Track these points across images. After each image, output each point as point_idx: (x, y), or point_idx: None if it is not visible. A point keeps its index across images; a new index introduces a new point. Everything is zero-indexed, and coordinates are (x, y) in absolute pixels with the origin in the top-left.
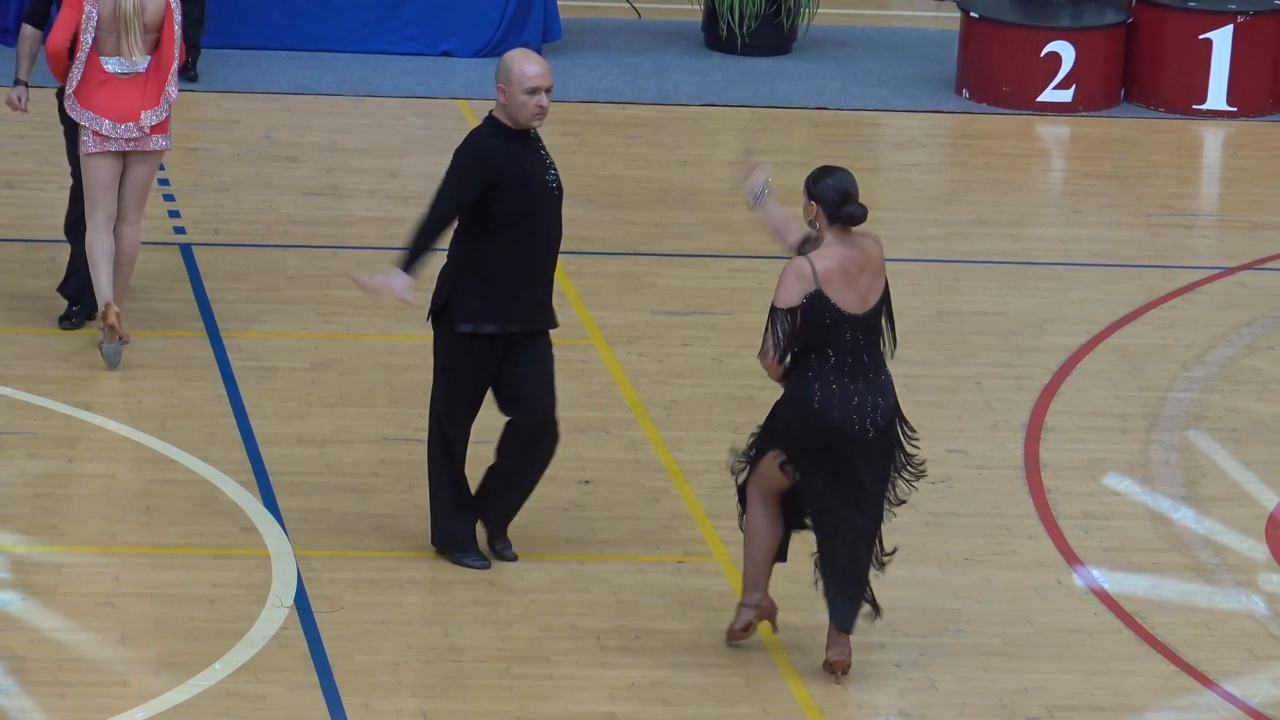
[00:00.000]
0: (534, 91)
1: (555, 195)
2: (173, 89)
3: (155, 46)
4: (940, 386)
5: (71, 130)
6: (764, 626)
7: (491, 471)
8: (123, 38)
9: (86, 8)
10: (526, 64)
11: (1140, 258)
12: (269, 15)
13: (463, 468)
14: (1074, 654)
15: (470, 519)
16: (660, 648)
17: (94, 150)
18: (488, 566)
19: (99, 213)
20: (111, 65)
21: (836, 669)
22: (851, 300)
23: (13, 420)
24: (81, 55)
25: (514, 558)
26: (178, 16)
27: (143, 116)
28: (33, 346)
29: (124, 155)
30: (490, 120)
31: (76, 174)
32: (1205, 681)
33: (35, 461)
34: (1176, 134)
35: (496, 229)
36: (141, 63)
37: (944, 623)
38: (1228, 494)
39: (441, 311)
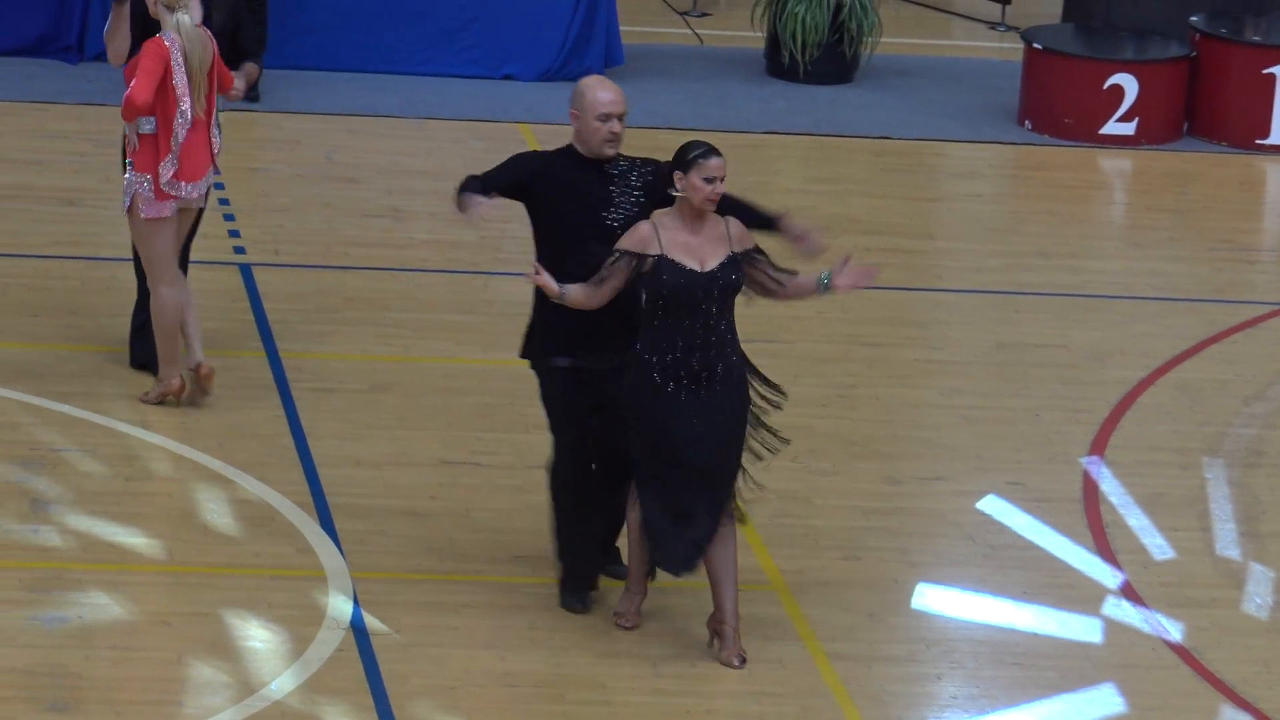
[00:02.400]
0: (606, 118)
1: (610, 231)
2: (218, 138)
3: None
4: (999, 418)
5: None
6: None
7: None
8: (190, 90)
9: (173, 68)
10: (600, 90)
11: (1201, 292)
12: (331, 36)
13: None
14: (1131, 689)
15: (586, 557)
16: (716, 676)
17: (160, 214)
18: (583, 611)
19: (167, 272)
20: (180, 124)
21: (713, 632)
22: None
23: (71, 438)
24: (175, 138)
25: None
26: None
27: (209, 174)
28: (91, 364)
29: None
30: (568, 145)
31: None
32: (1263, 719)
33: (92, 480)
34: (1239, 169)
35: (540, 248)
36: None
37: (1000, 656)
38: None
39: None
